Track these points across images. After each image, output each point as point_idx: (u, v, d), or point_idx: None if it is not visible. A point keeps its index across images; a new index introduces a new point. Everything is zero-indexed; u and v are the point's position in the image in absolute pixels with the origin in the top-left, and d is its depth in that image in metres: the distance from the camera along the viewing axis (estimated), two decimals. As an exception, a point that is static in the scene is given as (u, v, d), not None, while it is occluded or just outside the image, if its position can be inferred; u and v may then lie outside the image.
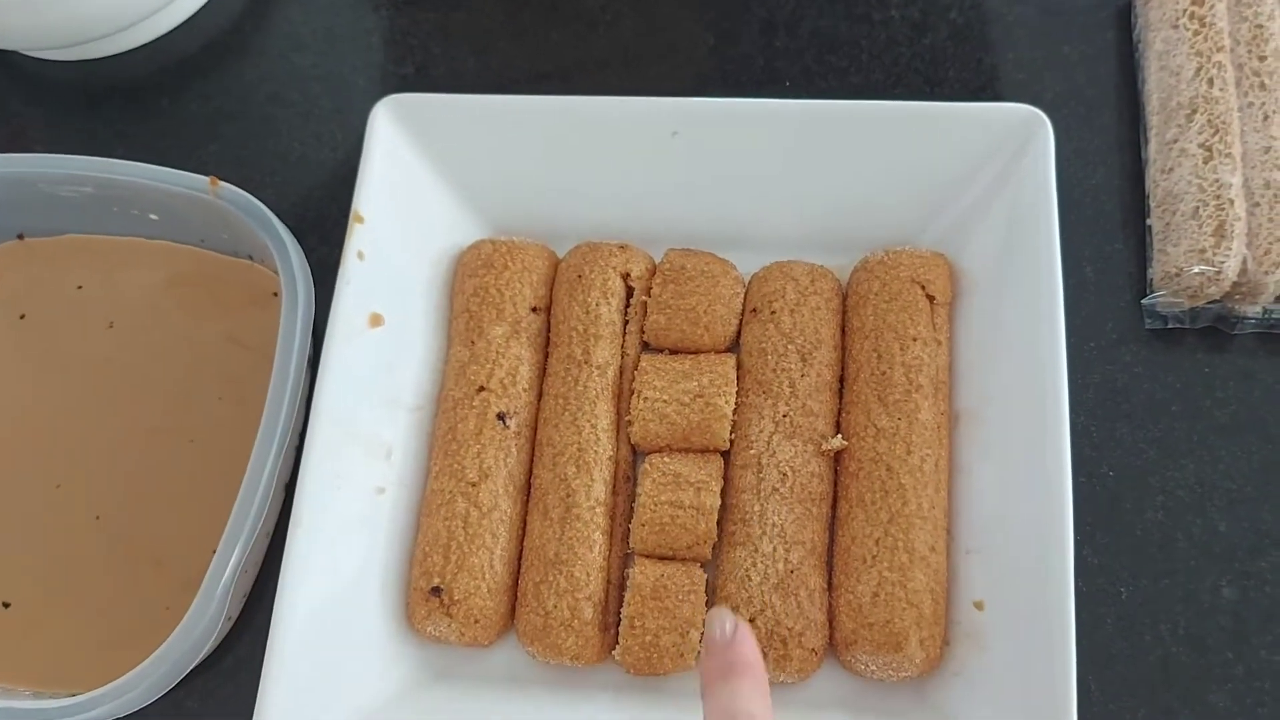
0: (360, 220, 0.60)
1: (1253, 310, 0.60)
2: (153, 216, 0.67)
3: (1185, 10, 0.64)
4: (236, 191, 0.62)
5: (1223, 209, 0.59)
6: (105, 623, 0.60)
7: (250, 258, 0.67)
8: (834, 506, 0.58)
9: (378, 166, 0.61)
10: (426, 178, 0.63)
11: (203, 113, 0.73)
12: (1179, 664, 0.56)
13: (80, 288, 0.68)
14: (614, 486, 0.59)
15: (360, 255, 0.59)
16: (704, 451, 0.58)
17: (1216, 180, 0.60)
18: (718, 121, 0.61)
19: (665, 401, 0.59)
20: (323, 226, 0.68)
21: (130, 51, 0.74)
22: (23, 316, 0.68)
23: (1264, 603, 0.57)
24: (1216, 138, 0.61)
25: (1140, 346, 0.62)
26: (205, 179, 0.62)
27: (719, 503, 0.56)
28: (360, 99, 0.72)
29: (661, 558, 0.57)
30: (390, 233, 0.61)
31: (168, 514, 0.62)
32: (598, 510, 0.57)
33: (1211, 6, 0.64)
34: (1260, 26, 0.63)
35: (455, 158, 0.63)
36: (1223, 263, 0.59)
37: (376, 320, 0.59)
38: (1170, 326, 0.62)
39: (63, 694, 0.58)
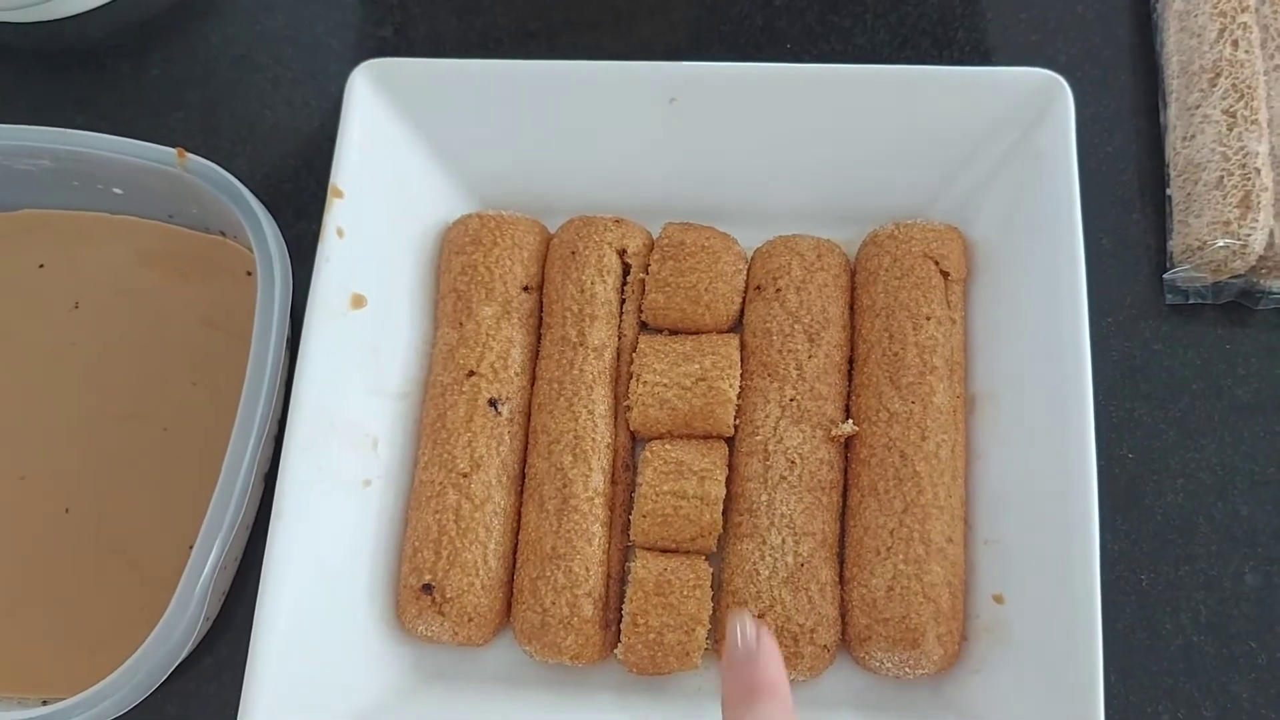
0: (339, 195, 0.56)
1: (1278, 285, 0.58)
2: (117, 191, 0.63)
3: (1208, -33, 0.61)
4: (206, 164, 0.58)
5: (1249, 179, 0.57)
6: (78, 622, 0.57)
7: (223, 234, 0.63)
8: (845, 495, 0.55)
9: (357, 137, 0.57)
10: (409, 148, 0.59)
11: (167, 78, 0.68)
12: (1201, 653, 0.55)
13: (42, 266, 0.64)
14: (613, 476, 0.56)
15: (340, 232, 0.55)
16: (707, 438, 0.56)
17: (1242, 148, 0.57)
18: (718, 87, 0.58)
19: (665, 385, 0.56)
20: (299, 200, 0.65)
21: (88, 13, 0.70)
22: (-20, 297, 0.64)
23: (1288, 589, 0.55)
24: (1241, 103, 0.58)
25: (1160, 322, 0.60)
26: (172, 151, 0.58)
27: (724, 492, 0.54)
28: (335, 63, 0.68)
29: (664, 551, 0.54)
30: (372, 208, 0.57)
31: (141, 506, 0.59)
32: (596, 501, 0.54)
33: (1236, -37, 0.61)
34: (1287, -16, 0.60)
35: (440, 127, 0.59)
36: (1248, 236, 0.56)
37: (359, 301, 0.56)
38: (1191, 301, 0.59)
39: (33, 699, 0.56)
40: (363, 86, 0.58)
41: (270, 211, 0.59)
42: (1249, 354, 0.59)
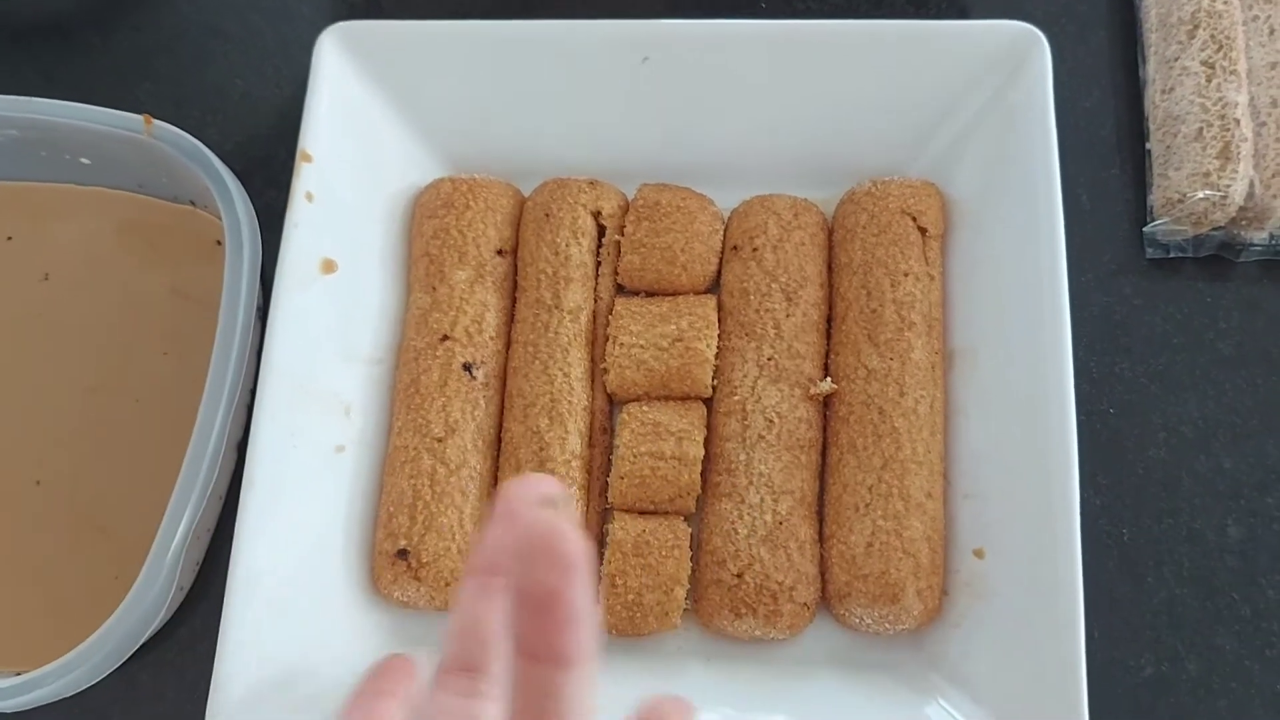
0: (308, 159, 0.55)
1: (1259, 236, 0.57)
2: (84, 161, 0.62)
3: (1185, -82, 0.60)
4: (173, 131, 0.58)
5: (1228, 129, 0.56)
6: (50, 595, 0.57)
7: (192, 203, 0.63)
8: (824, 453, 0.55)
9: (325, 101, 0.56)
10: (379, 112, 0.59)
11: (135, 48, 0.67)
12: (1184, 606, 0.54)
13: (10, 238, 0.63)
14: (590, 438, 0.55)
15: (309, 196, 0.55)
16: (685, 399, 0.55)
17: (1221, 99, 0.57)
18: (691, 45, 0.57)
19: (642, 347, 0.55)
20: (269, 169, 0.63)
21: (54, -18, 0.69)
22: (-52, 271, 0.63)
23: (1271, 541, 0.55)
24: (1220, 54, 0.57)
25: (1140, 277, 0.59)
26: (139, 118, 0.58)
27: (702, 452, 0.53)
28: (305, 29, 0.66)
29: (642, 512, 0.54)
30: (341, 172, 0.56)
31: (113, 478, 0.58)
32: (573, 464, 0.54)
33: (1213, -87, 0.60)
34: (1265, -66, 0.60)
35: (410, 90, 0.58)
36: (1228, 186, 0.55)
37: (329, 266, 0.55)
38: (1172, 255, 0.59)
39: (6, 672, 0.55)
40: (331, 49, 0.57)
41: (241, 179, 0.58)
42: (1230, 307, 0.59)
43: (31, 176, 0.63)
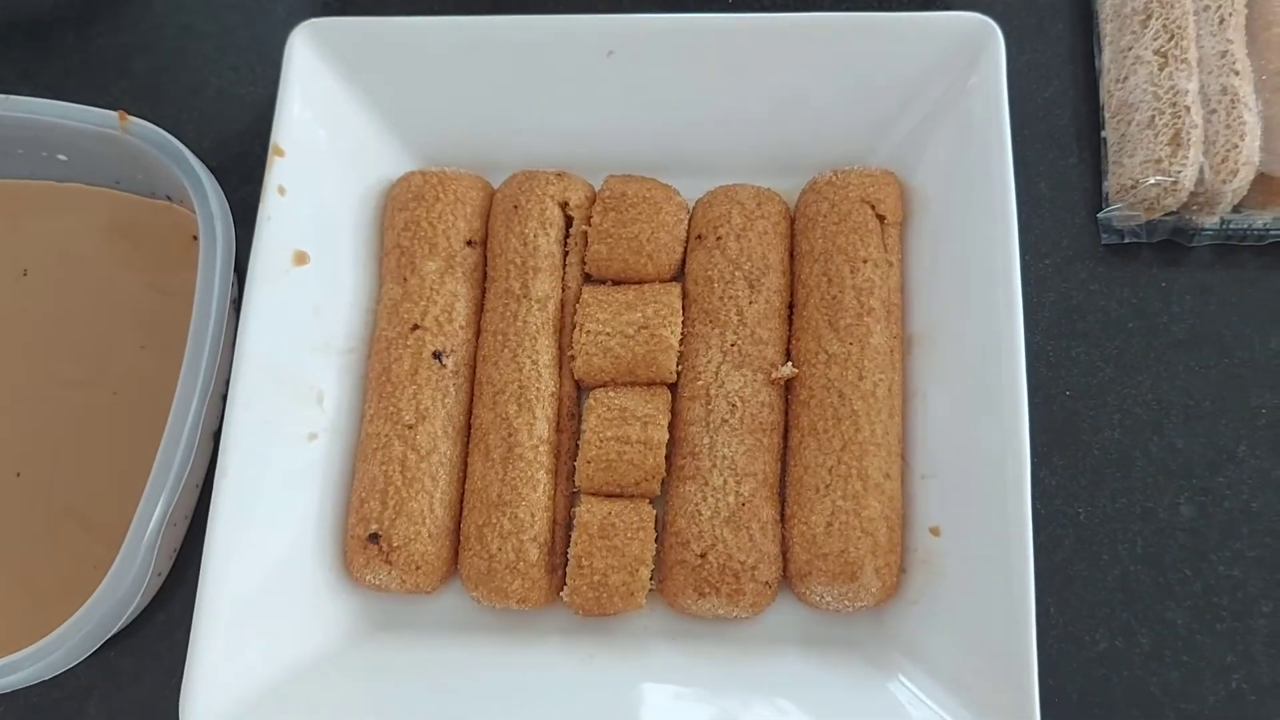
0: (280, 153, 0.56)
1: (1210, 221, 0.59)
2: (61, 157, 0.63)
3: (1138, -89, 0.62)
4: (148, 127, 0.59)
5: (1179, 117, 0.57)
6: (29, 582, 0.58)
7: (169, 199, 0.64)
8: (785, 436, 0.56)
9: (297, 96, 0.57)
10: (350, 107, 0.60)
11: (111, 47, 0.68)
12: (1138, 583, 0.56)
13: (-12, 235, 0.64)
14: (558, 424, 0.56)
15: (281, 190, 0.56)
16: (650, 384, 0.56)
17: (1173, 87, 0.58)
18: (656, 39, 0.58)
19: (609, 334, 0.56)
20: (245, 164, 0.65)
21: (31, -17, 0.70)
22: (-73, 268, 0.64)
23: (1222, 518, 0.56)
24: (1172, 43, 0.59)
25: (1096, 263, 0.61)
26: (114, 114, 0.59)
27: (667, 436, 0.54)
28: (280, 28, 0.67)
29: (608, 495, 0.55)
30: (314, 166, 0.58)
31: (92, 469, 0.59)
32: (541, 449, 0.55)
33: (1165, -94, 0.61)
34: (1215, -74, 0.61)
35: (380, 85, 0.60)
36: (1179, 172, 0.57)
37: (301, 258, 0.56)
38: (1126, 241, 0.60)
39: (-12, 660, 0.56)
40: (303, 46, 0.58)
41: (216, 176, 0.59)
42: (1183, 291, 0.60)
43: (9, 174, 0.64)
